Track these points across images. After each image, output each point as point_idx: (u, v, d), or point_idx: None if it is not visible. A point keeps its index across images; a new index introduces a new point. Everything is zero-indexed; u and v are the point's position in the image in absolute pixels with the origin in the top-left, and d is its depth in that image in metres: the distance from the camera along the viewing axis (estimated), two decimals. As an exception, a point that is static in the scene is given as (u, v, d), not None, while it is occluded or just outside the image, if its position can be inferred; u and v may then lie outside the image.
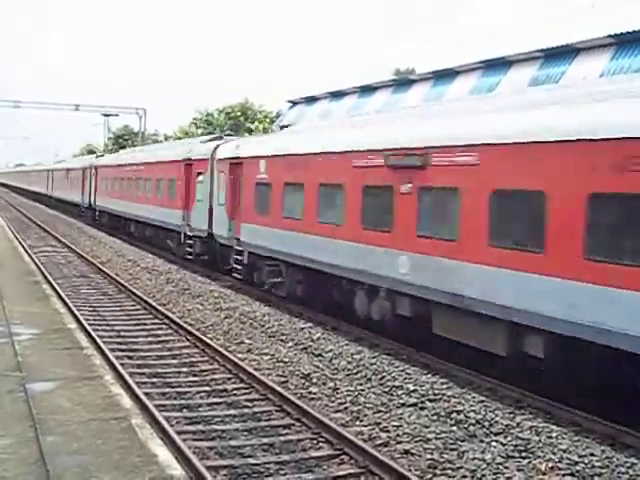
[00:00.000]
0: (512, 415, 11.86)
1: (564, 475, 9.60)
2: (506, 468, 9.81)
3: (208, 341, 16.28)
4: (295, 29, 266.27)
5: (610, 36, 29.30)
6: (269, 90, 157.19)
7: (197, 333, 17.10)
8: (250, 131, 65.18)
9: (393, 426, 11.35)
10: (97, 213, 44.66)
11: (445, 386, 13.39)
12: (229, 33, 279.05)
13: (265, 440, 10.75)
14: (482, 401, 12.54)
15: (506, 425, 11.37)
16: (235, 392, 13.19)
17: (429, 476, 9.60)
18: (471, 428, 11.33)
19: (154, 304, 20.74)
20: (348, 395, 12.91)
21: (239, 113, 73.28)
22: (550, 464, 9.89)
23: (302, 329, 18.13)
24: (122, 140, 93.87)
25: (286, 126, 40.48)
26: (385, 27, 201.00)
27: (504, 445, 10.61)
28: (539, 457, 10.16)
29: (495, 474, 9.61)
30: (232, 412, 12.03)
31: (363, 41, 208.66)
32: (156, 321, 19.20)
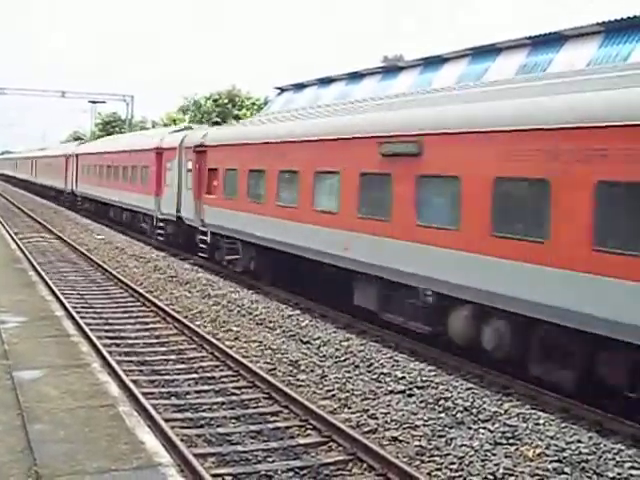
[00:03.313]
0: (500, 402, 11.90)
1: (551, 462, 9.64)
2: (494, 455, 9.84)
3: (196, 328, 16.26)
4: (295, 29, 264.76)
5: (598, 24, 29.24)
6: (263, 79, 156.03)
7: (185, 320, 17.07)
8: (238, 118, 64.91)
9: (381, 413, 11.37)
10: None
11: (433, 373, 13.42)
12: (228, 31, 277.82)
13: (253, 427, 10.76)
14: (470, 388, 12.57)
15: (494, 412, 11.41)
16: (223, 379, 13.18)
17: (417, 463, 9.63)
18: (459, 415, 11.35)
19: (141, 291, 20.69)
20: (336, 382, 12.92)
21: (226, 100, 72.91)
22: (537, 451, 9.93)
23: (290, 316, 18.13)
24: (110, 127, 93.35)
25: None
26: (385, 27, 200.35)
27: (492, 432, 10.65)
28: (526, 444, 10.20)
29: (483, 461, 9.64)
30: (220, 399, 12.04)
31: (362, 41, 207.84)
32: (143, 308, 19.16)
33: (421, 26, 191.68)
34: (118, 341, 15.68)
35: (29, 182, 79.41)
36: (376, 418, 11.18)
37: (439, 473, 9.38)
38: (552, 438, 10.37)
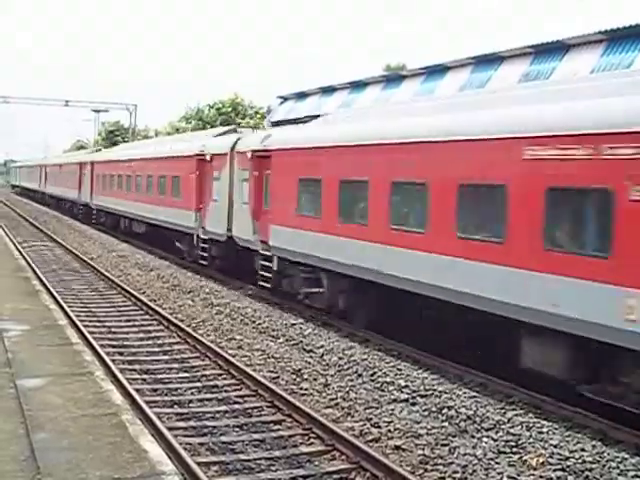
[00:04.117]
0: (503, 410, 11.87)
1: (555, 470, 9.62)
2: (497, 464, 9.82)
3: (199, 337, 16.26)
4: (296, 31, 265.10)
5: (600, 32, 29.29)
6: (265, 88, 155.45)
7: (188, 329, 17.07)
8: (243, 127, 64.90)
9: (384, 422, 11.35)
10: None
11: (436, 382, 13.40)
12: (229, 39, 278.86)
13: (256, 436, 10.75)
14: (473, 397, 12.55)
15: (497, 421, 11.38)
16: (226, 388, 13.17)
17: (420, 472, 9.61)
18: (462, 424, 11.33)
19: (145, 300, 20.70)
20: (339, 391, 12.90)
21: (230, 109, 72.94)
22: (541, 459, 9.91)
23: (293, 325, 18.12)
24: (113, 136, 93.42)
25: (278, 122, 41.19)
26: (385, 26, 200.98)
27: (495, 441, 10.62)
28: (530, 452, 10.18)
29: (486, 470, 9.62)
30: (223, 408, 12.02)
31: (363, 41, 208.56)
32: (147, 317, 19.16)
33: (421, 24, 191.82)
34: (121, 349, 15.68)
35: (73, 202, 55.82)
36: (379, 427, 11.17)
37: (442, 482, 9.37)
38: (556, 447, 10.35)
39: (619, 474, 9.64)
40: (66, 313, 17.59)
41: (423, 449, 10.31)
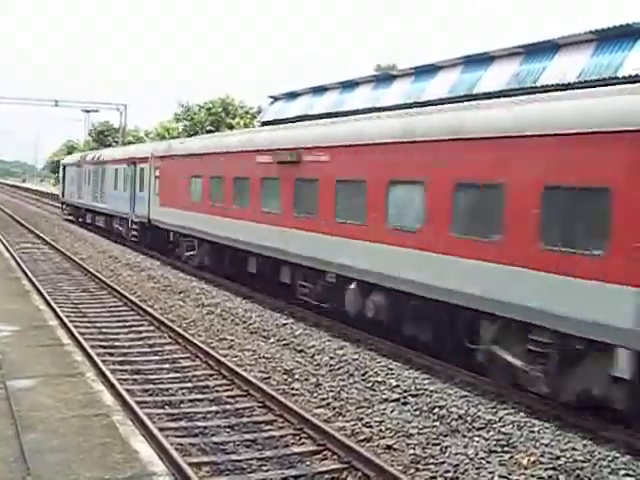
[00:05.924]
0: (494, 410, 11.89)
1: (546, 469, 9.64)
2: (488, 463, 9.83)
3: (190, 337, 16.23)
4: (296, 31, 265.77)
5: (591, 32, 29.35)
6: (256, 88, 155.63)
7: (179, 329, 17.04)
8: (231, 127, 64.93)
9: (376, 421, 11.35)
10: None
11: (427, 381, 13.41)
12: (222, 39, 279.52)
13: (247, 436, 10.74)
14: (464, 396, 12.56)
15: (488, 420, 11.40)
16: (217, 388, 13.16)
17: (412, 471, 9.62)
18: (453, 423, 11.35)
19: (135, 300, 20.65)
20: (330, 391, 12.90)
21: (220, 109, 72.86)
22: (532, 459, 9.93)
23: (284, 325, 18.10)
24: (103, 136, 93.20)
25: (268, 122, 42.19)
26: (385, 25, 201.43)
27: (486, 440, 10.64)
28: (521, 452, 10.19)
29: (477, 469, 9.63)
30: (214, 408, 12.01)
31: (362, 42, 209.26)
32: (137, 317, 19.11)
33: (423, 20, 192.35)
34: (112, 350, 15.64)
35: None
36: (370, 426, 11.17)
37: (434, 481, 9.37)
38: (547, 446, 10.37)
39: (610, 473, 9.66)
40: (56, 314, 17.53)
41: (414, 449, 10.32)
